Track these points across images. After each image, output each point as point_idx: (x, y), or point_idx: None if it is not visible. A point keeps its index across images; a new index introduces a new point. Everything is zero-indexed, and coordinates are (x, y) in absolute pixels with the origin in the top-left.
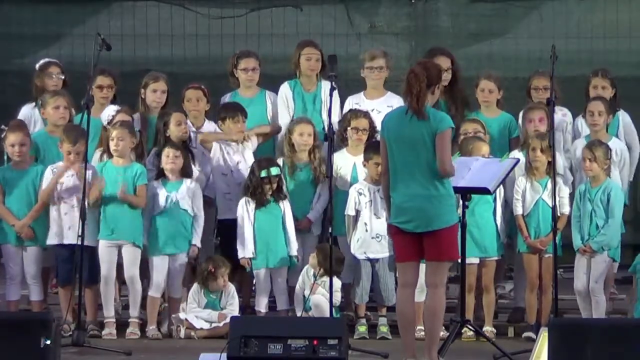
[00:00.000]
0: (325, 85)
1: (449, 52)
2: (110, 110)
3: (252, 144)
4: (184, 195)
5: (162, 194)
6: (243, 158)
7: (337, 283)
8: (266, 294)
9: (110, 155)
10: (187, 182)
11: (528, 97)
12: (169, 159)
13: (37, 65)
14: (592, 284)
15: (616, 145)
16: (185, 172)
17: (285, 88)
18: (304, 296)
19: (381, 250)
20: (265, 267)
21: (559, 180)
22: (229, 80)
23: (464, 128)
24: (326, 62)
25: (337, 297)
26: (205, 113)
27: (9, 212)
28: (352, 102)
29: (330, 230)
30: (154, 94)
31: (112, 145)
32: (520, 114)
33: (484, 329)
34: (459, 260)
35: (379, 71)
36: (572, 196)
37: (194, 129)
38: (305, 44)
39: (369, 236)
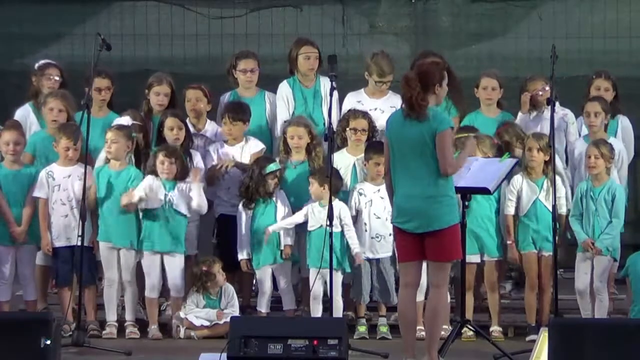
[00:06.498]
0: (324, 80)
1: (438, 54)
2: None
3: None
4: (177, 196)
5: (161, 193)
6: (242, 156)
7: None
8: (266, 293)
9: None
10: (180, 185)
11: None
12: (164, 167)
13: (36, 66)
14: (597, 283)
15: (615, 145)
16: (180, 177)
17: (284, 87)
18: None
19: (381, 250)
20: (259, 265)
21: (557, 179)
22: (228, 79)
23: (457, 136)
24: (324, 61)
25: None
26: (207, 114)
27: (11, 214)
28: (352, 100)
29: (330, 230)
30: (157, 97)
31: (105, 148)
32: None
33: (491, 329)
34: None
35: (389, 83)
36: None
37: (195, 131)
38: (302, 42)
39: (369, 236)
